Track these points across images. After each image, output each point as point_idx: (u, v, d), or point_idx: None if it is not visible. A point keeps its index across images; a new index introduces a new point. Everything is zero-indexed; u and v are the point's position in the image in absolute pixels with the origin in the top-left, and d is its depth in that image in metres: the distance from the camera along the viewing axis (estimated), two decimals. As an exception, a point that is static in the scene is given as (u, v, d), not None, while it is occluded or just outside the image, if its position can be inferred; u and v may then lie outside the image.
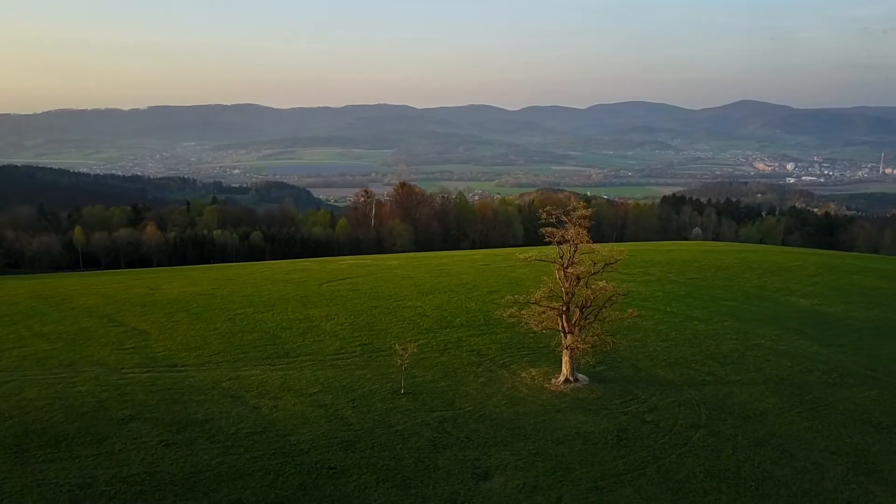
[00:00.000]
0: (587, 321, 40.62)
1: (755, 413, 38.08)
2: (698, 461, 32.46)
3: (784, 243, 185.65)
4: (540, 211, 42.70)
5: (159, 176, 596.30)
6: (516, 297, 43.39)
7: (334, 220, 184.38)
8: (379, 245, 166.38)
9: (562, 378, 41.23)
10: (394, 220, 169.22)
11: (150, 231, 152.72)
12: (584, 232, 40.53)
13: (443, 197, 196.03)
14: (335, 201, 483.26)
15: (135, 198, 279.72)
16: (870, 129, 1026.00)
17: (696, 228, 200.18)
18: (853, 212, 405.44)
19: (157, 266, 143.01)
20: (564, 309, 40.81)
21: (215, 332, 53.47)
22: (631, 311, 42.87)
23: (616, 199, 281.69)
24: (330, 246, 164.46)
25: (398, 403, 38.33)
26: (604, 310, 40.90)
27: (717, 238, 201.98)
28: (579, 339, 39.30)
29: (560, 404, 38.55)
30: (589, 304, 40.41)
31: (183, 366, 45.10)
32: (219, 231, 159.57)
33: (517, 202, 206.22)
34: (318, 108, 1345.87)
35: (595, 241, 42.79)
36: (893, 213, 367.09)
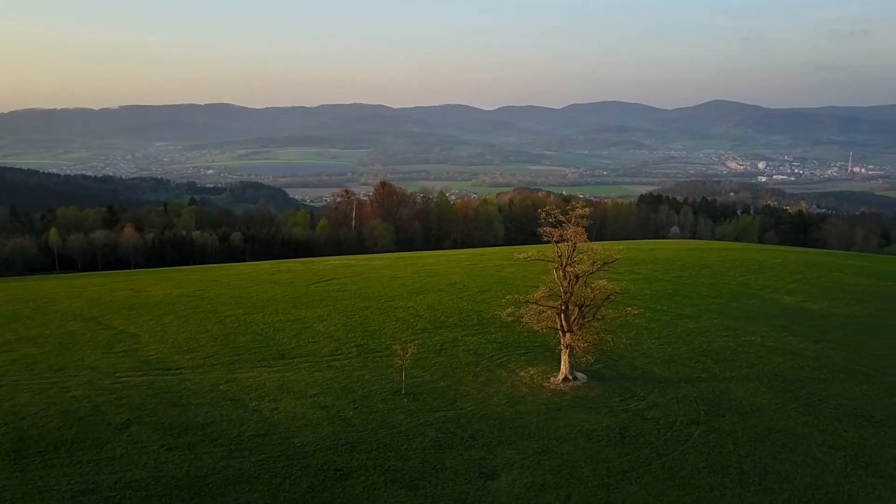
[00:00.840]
0: (586, 320, 40.89)
1: (752, 409, 38.64)
2: (701, 457, 32.86)
3: (760, 241, 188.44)
4: (539, 210, 42.86)
5: (132, 176, 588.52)
6: (517, 296, 43.44)
7: (314, 220, 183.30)
8: (360, 245, 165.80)
9: (561, 377, 41.47)
10: (375, 221, 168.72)
11: (128, 232, 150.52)
12: (583, 231, 40.80)
13: (423, 197, 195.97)
14: (311, 201, 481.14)
15: (107, 199, 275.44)
16: (839, 129, 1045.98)
17: (674, 227, 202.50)
18: (823, 210, 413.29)
19: (136, 268, 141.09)
20: (563, 308, 41.03)
21: (207, 334, 52.91)
22: (629, 309, 43.23)
23: (594, 199, 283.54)
24: (310, 246, 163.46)
25: (400, 404, 38.26)
26: (602, 308, 41.16)
27: (694, 236, 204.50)
28: (580, 338, 39.53)
29: (561, 403, 38.78)
30: (588, 303, 40.67)
31: (177, 369, 44.55)
32: (198, 232, 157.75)
33: (497, 202, 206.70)
34: (293, 107, 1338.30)
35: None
36: (862, 212, 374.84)
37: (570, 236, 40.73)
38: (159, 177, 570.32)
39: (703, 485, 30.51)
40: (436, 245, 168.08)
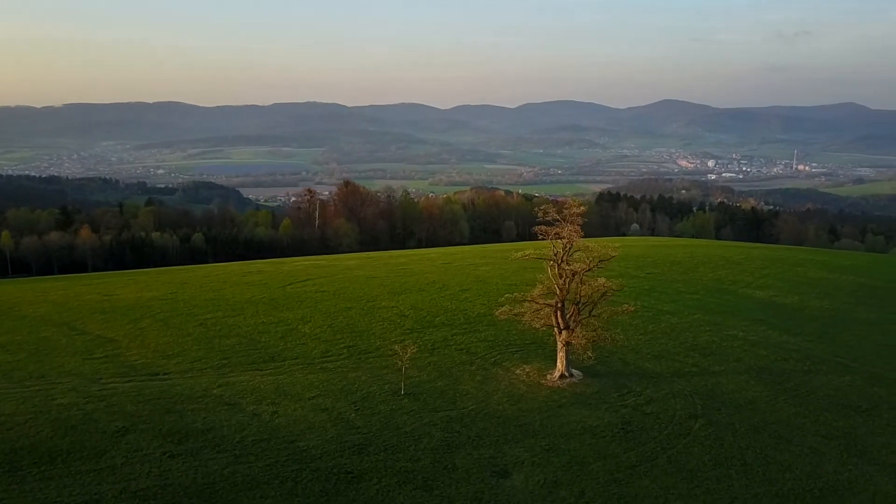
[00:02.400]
0: (582, 317, 41.30)
1: (745, 402, 39.63)
2: (704, 450, 33.56)
3: (717, 237, 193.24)
4: (536, 209, 43.14)
5: (78, 177, 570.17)
6: (517, 294, 43.62)
7: (276, 220, 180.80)
8: (324, 245, 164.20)
9: (557, 374, 41.80)
10: (339, 220, 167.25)
11: (85, 234, 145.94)
12: (578, 229, 41.21)
13: (387, 196, 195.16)
14: (266, 201, 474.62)
15: (53, 200, 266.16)
16: (783, 128, 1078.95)
17: (634, 224, 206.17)
18: (770, 206, 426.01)
19: (94, 270, 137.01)
20: (559, 305, 41.36)
21: (189, 337, 51.69)
22: (625, 306, 43.86)
23: (557, 198, 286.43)
24: (273, 247, 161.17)
25: (401, 404, 38.05)
26: (598, 305, 41.63)
27: (653, 233, 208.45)
28: (578, 335, 39.90)
29: (560, 400, 39.11)
30: (585, 301, 41.09)
31: (165, 374, 43.43)
32: (158, 233, 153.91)
33: (461, 201, 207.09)
34: (246, 106, 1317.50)
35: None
36: (808, 208, 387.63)
37: (566, 234, 41.05)
38: (107, 177, 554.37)
39: (710, 477, 31.17)
40: (401, 244, 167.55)
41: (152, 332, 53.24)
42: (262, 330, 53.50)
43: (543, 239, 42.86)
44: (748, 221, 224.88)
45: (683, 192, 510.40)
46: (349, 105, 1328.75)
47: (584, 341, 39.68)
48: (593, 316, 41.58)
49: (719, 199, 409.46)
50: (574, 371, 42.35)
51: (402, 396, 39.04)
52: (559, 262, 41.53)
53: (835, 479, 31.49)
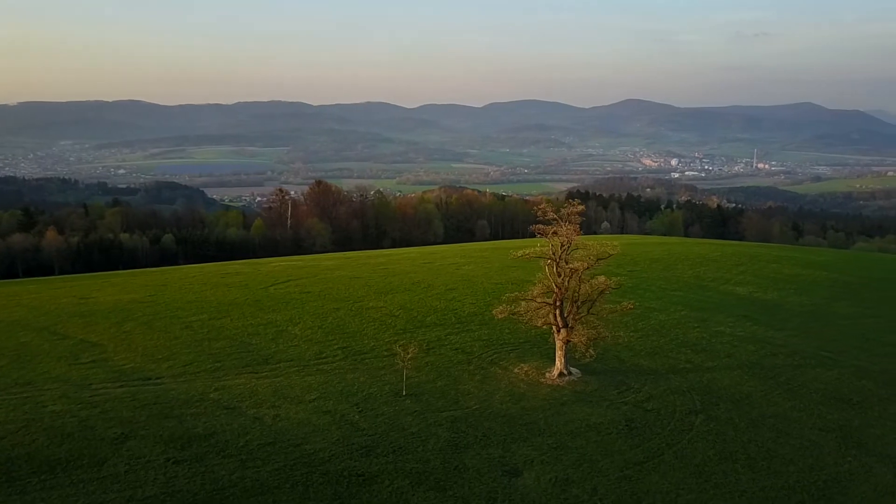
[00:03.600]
0: (580, 315, 41.54)
1: (741, 396, 40.27)
2: (708, 445, 34.01)
3: (686, 234, 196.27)
4: (535, 208, 43.20)
5: (36, 177, 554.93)
6: (517, 293, 43.66)
7: (247, 220, 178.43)
8: (296, 246, 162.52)
9: (556, 372, 41.98)
10: (311, 220, 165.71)
11: (51, 236, 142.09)
12: (577, 228, 41.45)
13: (361, 195, 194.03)
14: (231, 201, 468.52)
15: (9, 200, 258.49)
16: (743, 127, 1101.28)
17: (605, 223, 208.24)
18: (733, 204, 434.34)
19: (61, 273, 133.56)
20: (558, 304, 41.54)
21: (177, 341, 50.70)
22: (625, 303, 44.23)
23: (529, 197, 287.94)
24: (245, 247, 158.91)
25: (404, 405, 37.83)
26: (597, 303, 41.92)
27: (623, 231, 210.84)
28: (580, 333, 40.12)
29: (562, 398, 39.28)
30: (584, 299, 41.34)
31: (157, 378, 42.51)
32: (126, 235, 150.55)
33: (434, 200, 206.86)
34: (208, 104, 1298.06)
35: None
36: (770, 205, 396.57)
37: (565, 233, 41.25)
38: (66, 177, 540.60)
39: (718, 471, 31.59)
40: (375, 244, 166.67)
41: (138, 336, 52.10)
42: (251, 332, 52.74)
43: (541, 236, 43.01)
44: (714, 219, 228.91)
45: (648, 190, 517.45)
46: (314, 104, 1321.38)
47: (585, 339, 39.88)
48: (592, 314, 41.82)
49: (684, 198, 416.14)
50: (572, 369, 42.58)
51: (403, 397, 38.82)
52: (557, 260, 41.69)
53: (836, 470, 32.16)
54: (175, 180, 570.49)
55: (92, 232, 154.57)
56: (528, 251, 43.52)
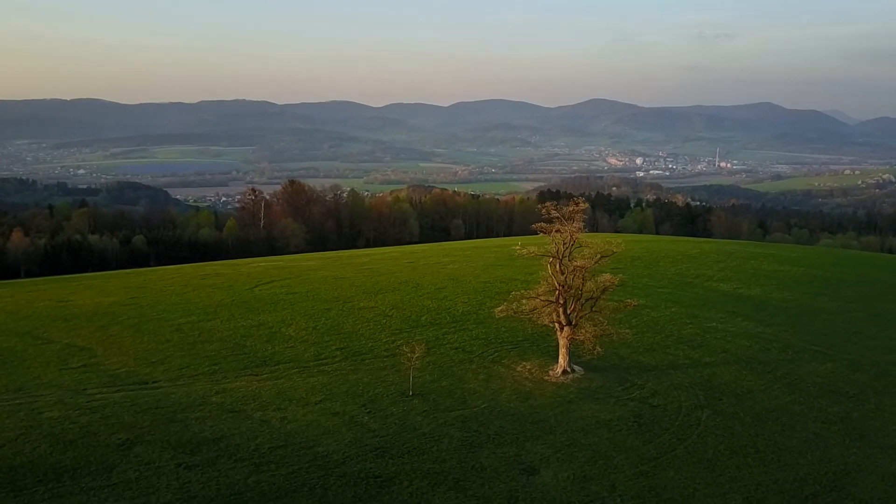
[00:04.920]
0: (584, 312, 41.74)
1: (743, 391, 40.90)
2: (717, 440, 34.45)
3: (657, 232, 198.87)
4: (539, 207, 43.28)
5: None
6: (523, 291, 43.65)
7: (218, 220, 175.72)
8: (270, 246, 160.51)
9: (559, 369, 42.12)
10: (285, 220, 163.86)
11: (16, 238, 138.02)
12: (580, 226, 41.66)
13: (335, 194, 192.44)
14: (195, 201, 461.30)
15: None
16: (706, 126, 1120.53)
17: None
18: (698, 202, 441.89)
19: (28, 276, 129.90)
20: (561, 301, 41.68)
21: (168, 343, 49.64)
22: (629, 301, 44.47)
23: (500, 196, 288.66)
24: (218, 248, 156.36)
25: (412, 405, 37.57)
26: (600, 300, 42.17)
27: (595, 230, 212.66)
28: (587, 331, 40.31)
29: (568, 395, 39.42)
30: (588, 296, 41.54)
31: (154, 382, 41.58)
32: (95, 236, 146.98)
33: (408, 199, 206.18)
34: (171, 103, 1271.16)
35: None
36: (733, 203, 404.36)
37: (568, 231, 41.41)
38: (23, 177, 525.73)
39: (730, 465, 32.00)
40: (350, 244, 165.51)
41: (127, 339, 50.90)
42: (244, 334, 51.91)
43: (543, 234, 43.16)
44: (684, 217, 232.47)
45: (615, 189, 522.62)
46: (279, 103, 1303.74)
47: (591, 336, 40.08)
48: (595, 311, 42.05)
49: (649, 196, 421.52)
50: (575, 367, 42.76)
51: (410, 397, 38.55)
52: (560, 258, 41.83)
53: (843, 462, 32.83)
54: (137, 180, 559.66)
55: (59, 233, 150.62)
56: (532, 249, 43.52)
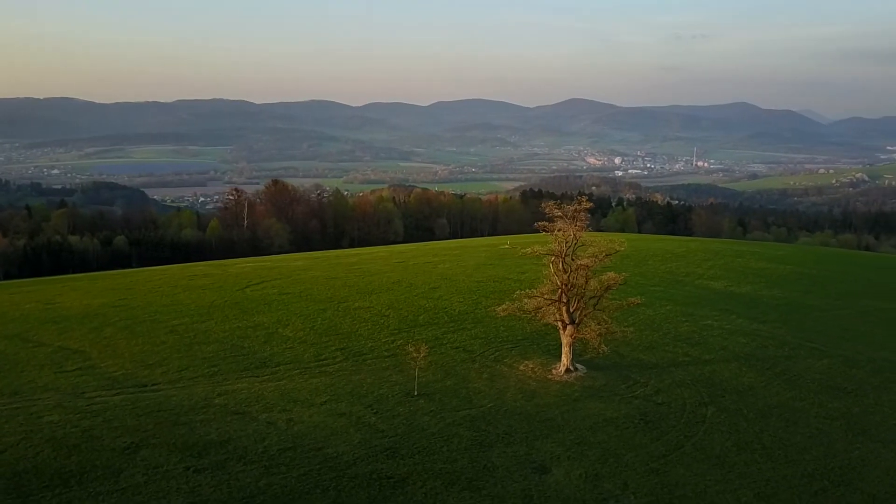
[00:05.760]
0: (587, 310, 41.88)
1: (744, 388, 41.26)
2: (724, 436, 34.71)
3: (639, 231, 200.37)
4: (544, 205, 43.36)
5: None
6: (528, 291, 43.66)
7: (201, 221, 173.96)
8: (253, 246, 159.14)
9: (563, 368, 42.21)
10: (269, 220, 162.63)
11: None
12: (584, 224, 41.79)
13: (319, 194, 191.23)
14: (172, 202, 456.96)
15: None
16: (683, 126, 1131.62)
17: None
18: (676, 201, 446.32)
19: (7, 278, 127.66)
20: (564, 300, 41.77)
21: (164, 345, 49.01)
22: (632, 299, 44.67)
23: (483, 196, 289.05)
24: (201, 249, 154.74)
25: (418, 405, 37.41)
26: (603, 298, 42.33)
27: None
28: (592, 329, 40.43)
29: (573, 394, 39.51)
30: (591, 295, 41.69)
31: (153, 385, 41.01)
32: (76, 237, 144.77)
33: (391, 198, 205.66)
34: (147, 102, 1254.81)
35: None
36: (711, 202, 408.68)
37: (571, 230, 41.51)
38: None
39: (738, 462, 32.25)
40: (334, 243, 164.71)
41: (121, 342, 50.16)
42: (240, 335, 51.40)
43: (547, 233, 43.24)
44: (665, 216, 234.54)
45: (594, 188, 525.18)
46: (258, 102, 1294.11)
47: (596, 335, 40.22)
48: (598, 309, 42.21)
49: (628, 195, 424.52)
50: (578, 365, 42.89)
51: (416, 397, 38.39)
52: (563, 257, 41.93)
53: (847, 457, 33.23)
54: (113, 180, 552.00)
55: (38, 234, 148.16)
56: (535, 248, 43.61)
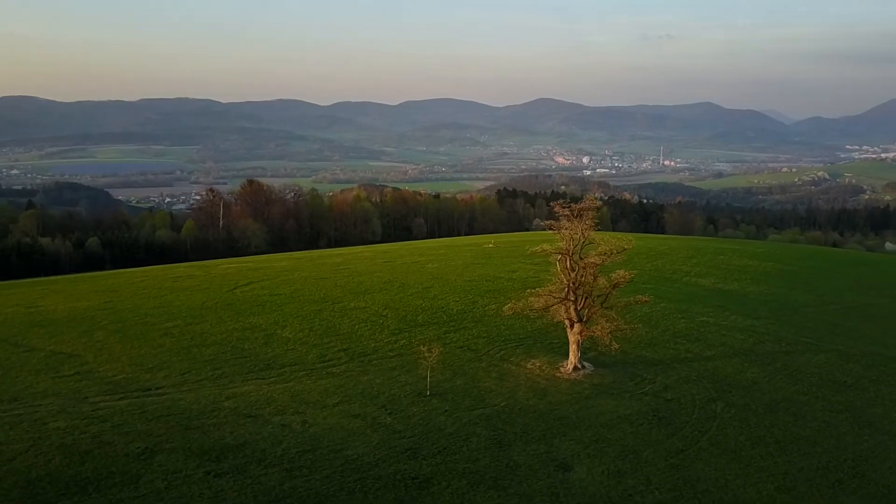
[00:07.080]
0: (595, 308, 42.14)
1: (749, 383, 41.91)
2: (737, 431, 35.21)
3: (614, 229, 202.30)
4: (552, 204, 43.49)
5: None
6: (538, 289, 43.73)
7: (175, 222, 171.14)
8: (230, 247, 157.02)
9: (570, 366, 42.42)
10: (246, 220, 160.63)
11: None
12: (591, 223, 42.07)
13: (295, 194, 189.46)
14: (138, 202, 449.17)
15: None
16: (649, 125, 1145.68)
17: (537, 219, 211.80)
18: (645, 199, 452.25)
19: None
20: (572, 298, 41.99)
21: (162, 349, 48.11)
22: (640, 297, 45.03)
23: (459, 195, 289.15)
24: (176, 250, 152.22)
25: (432, 405, 37.28)
26: (611, 296, 42.64)
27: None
28: (603, 327, 40.68)
29: (584, 391, 39.73)
30: (599, 293, 41.96)
31: (157, 388, 40.23)
32: (48, 239, 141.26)
33: (368, 197, 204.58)
34: (110, 101, 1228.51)
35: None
36: (679, 200, 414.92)
37: (579, 228, 41.75)
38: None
39: (754, 455, 32.74)
40: (312, 244, 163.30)
41: (115, 345, 49.14)
42: (239, 336, 50.72)
43: (554, 232, 43.48)
44: (639, 214, 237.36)
45: (563, 187, 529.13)
46: (224, 101, 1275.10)
47: (607, 333, 40.50)
48: (606, 307, 42.51)
49: (598, 194, 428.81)
50: (585, 363, 43.14)
51: (428, 397, 38.25)
52: (570, 255, 42.15)
53: (857, 449, 33.96)
54: (76, 181, 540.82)
55: (7, 236, 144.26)
56: (544, 247, 43.77)
